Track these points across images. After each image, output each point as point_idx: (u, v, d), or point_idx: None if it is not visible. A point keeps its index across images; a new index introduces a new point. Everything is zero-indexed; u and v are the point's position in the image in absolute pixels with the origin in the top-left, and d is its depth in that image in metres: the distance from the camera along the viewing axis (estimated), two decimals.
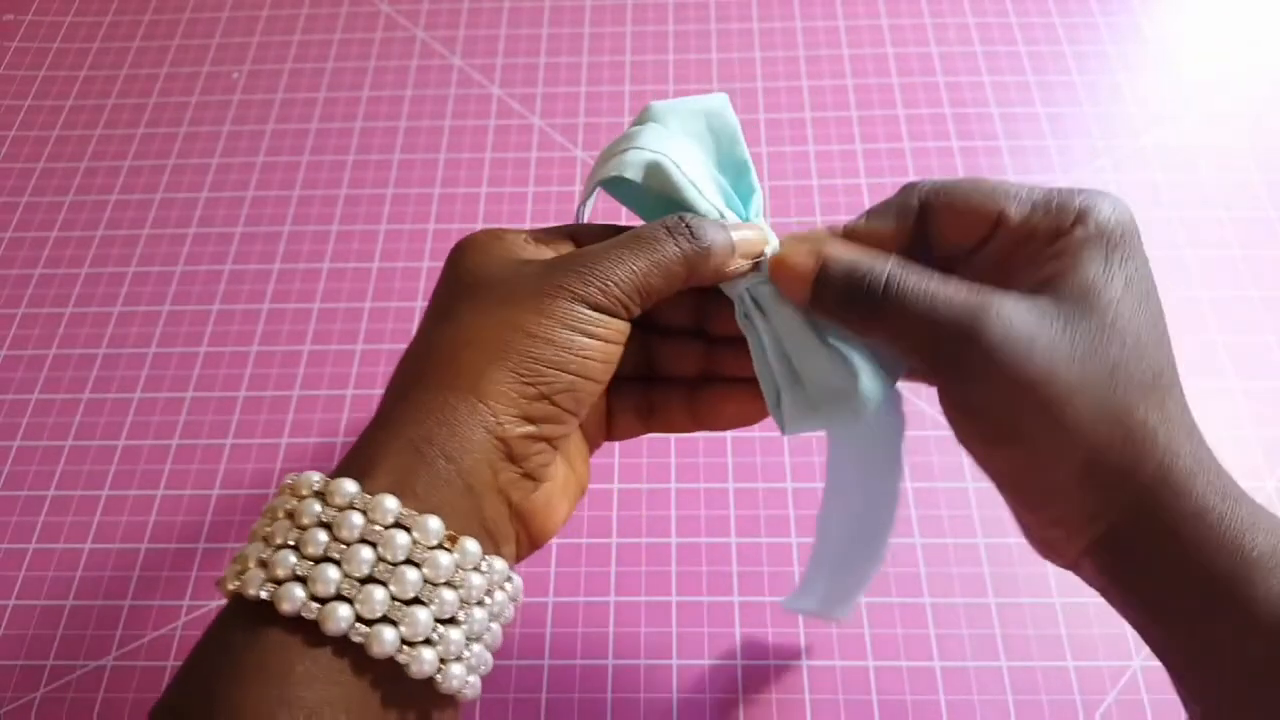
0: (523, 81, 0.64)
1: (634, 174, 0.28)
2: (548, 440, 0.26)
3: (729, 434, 0.49)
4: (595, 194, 0.30)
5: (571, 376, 0.25)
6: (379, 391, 0.51)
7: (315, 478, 0.24)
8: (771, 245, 0.29)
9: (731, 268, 0.28)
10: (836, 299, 0.27)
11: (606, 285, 0.26)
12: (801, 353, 0.28)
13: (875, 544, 0.34)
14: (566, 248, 0.28)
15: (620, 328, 0.26)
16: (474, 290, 0.26)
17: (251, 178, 0.61)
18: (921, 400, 0.49)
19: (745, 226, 0.29)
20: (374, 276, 0.56)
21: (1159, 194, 0.56)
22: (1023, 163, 0.58)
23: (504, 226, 0.28)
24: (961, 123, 0.60)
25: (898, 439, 0.31)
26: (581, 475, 0.30)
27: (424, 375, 0.25)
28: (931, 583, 0.45)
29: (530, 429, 0.25)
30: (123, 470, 0.50)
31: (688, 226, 0.27)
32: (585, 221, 0.30)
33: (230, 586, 0.23)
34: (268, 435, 0.50)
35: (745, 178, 0.30)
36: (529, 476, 0.26)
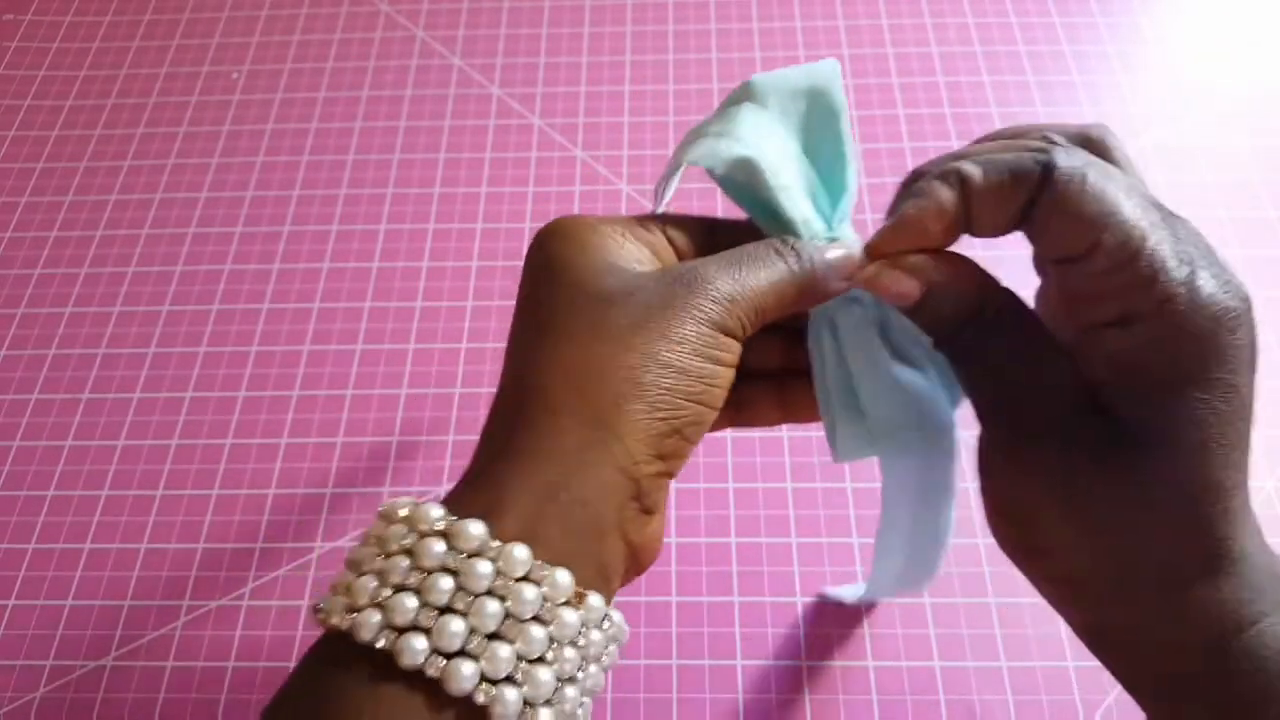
0: (522, 81, 0.64)
1: (722, 168, 0.27)
2: (671, 475, 0.25)
3: (729, 434, 0.49)
4: (680, 174, 0.28)
5: (701, 407, 0.24)
6: (379, 391, 0.51)
7: (436, 513, 0.22)
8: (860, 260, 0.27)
9: (834, 289, 0.26)
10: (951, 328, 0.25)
11: (731, 305, 0.24)
12: (868, 382, 0.28)
13: (925, 567, 0.35)
14: (664, 246, 0.27)
15: (738, 351, 0.25)
16: (586, 302, 0.24)
17: (251, 177, 0.61)
18: None
19: (838, 246, 0.27)
20: (374, 276, 0.56)
21: (1159, 194, 0.56)
22: None
23: (591, 216, 0.26)
24: (961, 122, 0.60)
25: (951, 464, 0.30)
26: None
27: (552, 403, 0.23)
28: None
29: (659, 465, 0.24)
30: (122, 470, 0.50)
31: (794, 250, 0.26)
32: (666, 201, 0.28)
33: (342, 624, 0.21)
34: (267, 435, 0.50)
35: (839, 173, 0.28)
36: (647, 511, 0.24)
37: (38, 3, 0.71)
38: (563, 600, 0.22)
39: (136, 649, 0.45)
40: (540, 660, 0.21)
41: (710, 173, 0.27)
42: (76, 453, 0.50)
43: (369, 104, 0.64)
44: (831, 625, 0.44)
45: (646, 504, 0.24)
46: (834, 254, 0.26)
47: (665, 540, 0.46)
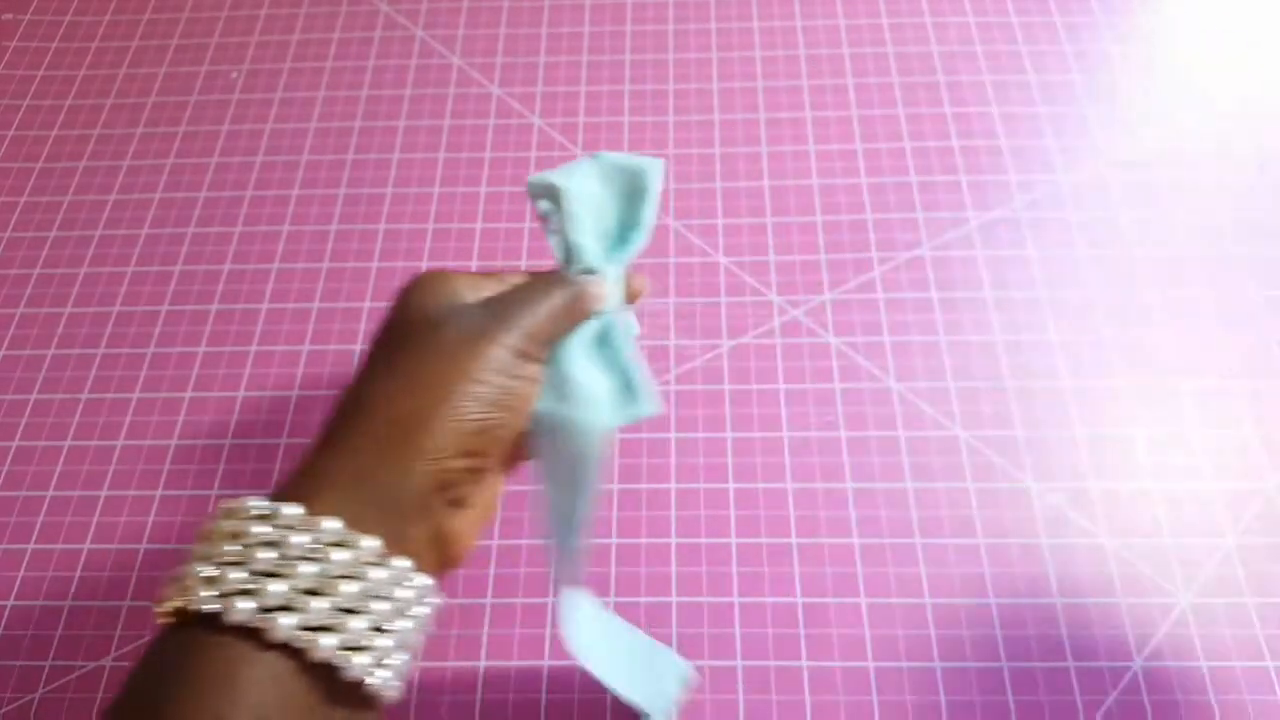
0: (522, 81, 0.64)
1: (540, 191, 0.35)
2: (479, 471, 0.29)
3: (730, 434, 0.49)
4: (536, 195, 0.36)
5: (501, 413, 0.29)
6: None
7: (257, 502, 0.26)
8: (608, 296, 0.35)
9: (592, 308, 0.34)
10: None
11: (526, 335, 0.30)
12: (567, 365, 0.33)
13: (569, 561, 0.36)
14: (498, 288, 0.33)
15: (536, 370, 0.31)
16: (418, 334, 0.30)
17: (250, 177, 0.61)
18: (922, 401, 0.49)
19: (595, 279, 0.34)
20: (373, 276, 0.56)
21: (1158, 194, 0.56)
22: (1023, 162, 0.58)
23: (449, 268, 0.32)
24: (962, 122, 0.60)
25: (593, 462, 0.33)
26: (490, 506, 0.33)
27: (371, 405, 0.28)
28: (932, 583, 0.45)
29: (465, 461, 0.28)
30: (121, 470, 0.50)
31: (563, 280, 0.33)
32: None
33: (176, 604, 0.24)
34: (267, 435, 0.50)
35: (632, 234, 0.36)
36: (455, 504, 0.29)
37: (37, 2, 0.71)
38: (372, 561, 0.26)
39: (136, 650, 0.45)
40: (353, 611, 0.25)
41: (533, 200, 0.36)
42: (75, 453, 0.50)
43: (368, 103, 0.64)
44: (832, 626, 0.44)
45: (453, 495, 0.29)
46: (594, 286, 0.34)
47: (665, 540, 0.46)
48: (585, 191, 0.36)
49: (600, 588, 0.45)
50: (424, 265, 0.56)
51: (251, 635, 0.24)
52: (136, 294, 0.56)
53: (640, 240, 0.36)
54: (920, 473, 0.47)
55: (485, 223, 0.57)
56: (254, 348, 0.53)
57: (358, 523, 0.26)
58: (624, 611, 0.44)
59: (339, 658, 0.25)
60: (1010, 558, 0.45)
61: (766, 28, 0.66)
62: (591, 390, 0.32)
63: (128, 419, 0.51)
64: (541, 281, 0.33)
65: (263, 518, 0.26)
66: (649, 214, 0.37)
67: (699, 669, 0.43)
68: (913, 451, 0.48)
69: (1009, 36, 0.64)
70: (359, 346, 0.53)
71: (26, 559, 0.47)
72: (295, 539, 0.25)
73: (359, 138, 0.62)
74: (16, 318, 0.55)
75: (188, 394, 0.52)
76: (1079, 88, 0.61)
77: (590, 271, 0.35)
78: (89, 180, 0.61)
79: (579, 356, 0.33)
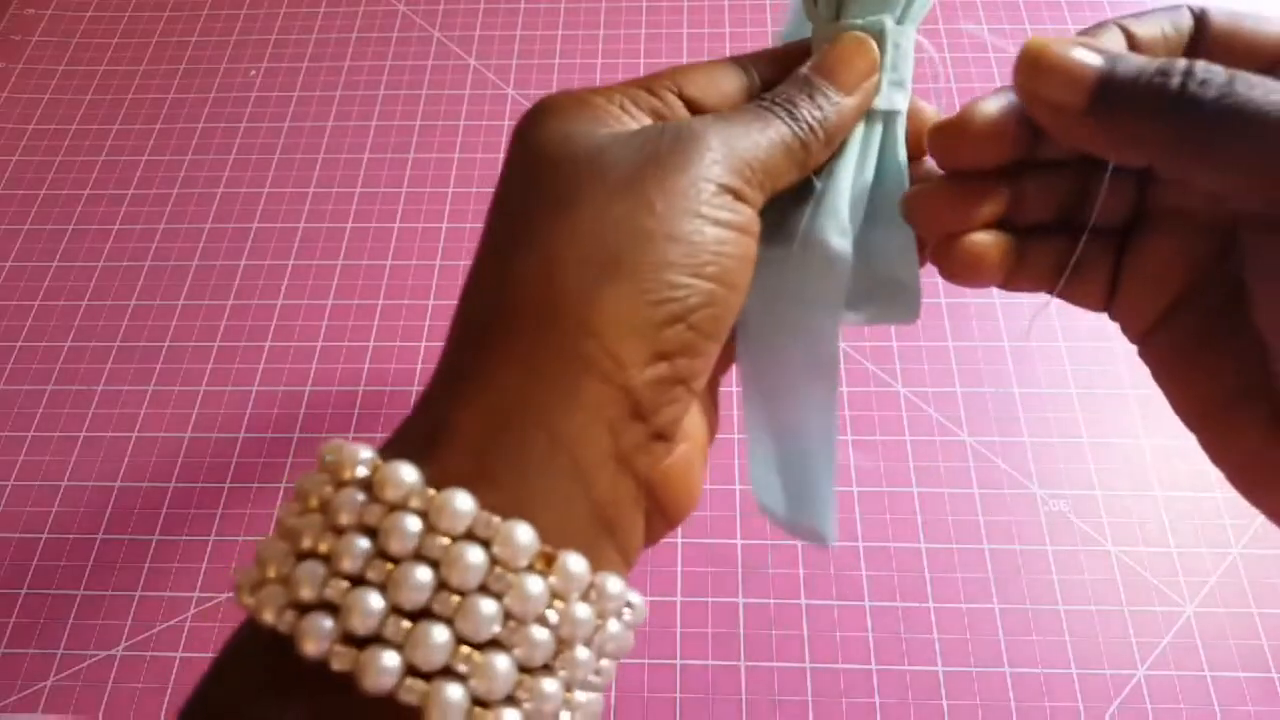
0: (537, 83, 0.64)
1: None
2: (685, 383, 0.19)
3: (735, 437, 0.49)
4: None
5: (710, 285, 0.19)
6: (389, 388, 0.52)
7: (364, 453, 0.17)
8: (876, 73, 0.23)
9: (848, 108, 0.22)
10: (1138, 105, 0.18)
11: (732, 160, 0.19)
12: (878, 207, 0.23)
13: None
14: (680, 112, 0.22)
15: (752, 217, 0.20)
16: (557, 181, 0.19)
17: (268, 174, 0.61)
18: (929, 406, 0.49)
19: (843, 46, 0.22)
20: (387, 274, 0.56)
21: None
22: None
23: (582, 89, 0.21)
24: None
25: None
26: (712, 421, 0.23)
27: (505, 312, 0.18)
28: (936, 587, 0.45)
29: (663, 369, 0.18)
30: (135, 462, 0.50)
31: (786, 108, 0.21)
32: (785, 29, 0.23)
33: (245, 600, 0.17)
34: (279, 430, 0.51)
35: None
36: (660, 436, 0.19)
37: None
38: (523, 564, 0.16)
39: (146, 639, 0.45)
40: (494, 644, 0.16)
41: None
42: (90, 444, 0.51)
43: (384, 102, 0.64)
44: (835, 628, 0.44)
45: (657, 425, 0.19)
46: (847, 67, 0.22)
47: (670, 540, 0.46)
48: None
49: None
50: (437, 264, 0.56)
51: (339, 675, 0.15)
52: (153, 288, 0.56)
53: None
54: (926, 477, 0.48)
55: None
56: (269, 343, 0.54)
57: (501, 489, 0.17)
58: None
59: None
60: (1014, 563, 0.45)
61: (778, 33, 0.66)
62: (838, 249, 0.22)
63: (142, 411, 0.52)
64: (754, 107, 0.21)
65: (362, 483, 0.17)
66: None
67: (702, 669, 0.43)
68: (918, 456, 0.48)
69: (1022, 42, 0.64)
70: (372, 343, 0.53)
71: (40, 547, 0.48)
72: (405, 525, 0.16)
73: (375, 136, 0.62)
74: (34, 309, 0.56)
75: (202, 388, 0.52)
76: None
77: (865, 33, 0.23)
78: (107, 175, 0.62)
79: (838, 185, 0.22)
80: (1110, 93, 0.19)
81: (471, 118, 0.63)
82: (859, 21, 0.22)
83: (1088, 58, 0.19)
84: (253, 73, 0.66)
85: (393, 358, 0.53)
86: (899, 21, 0.23)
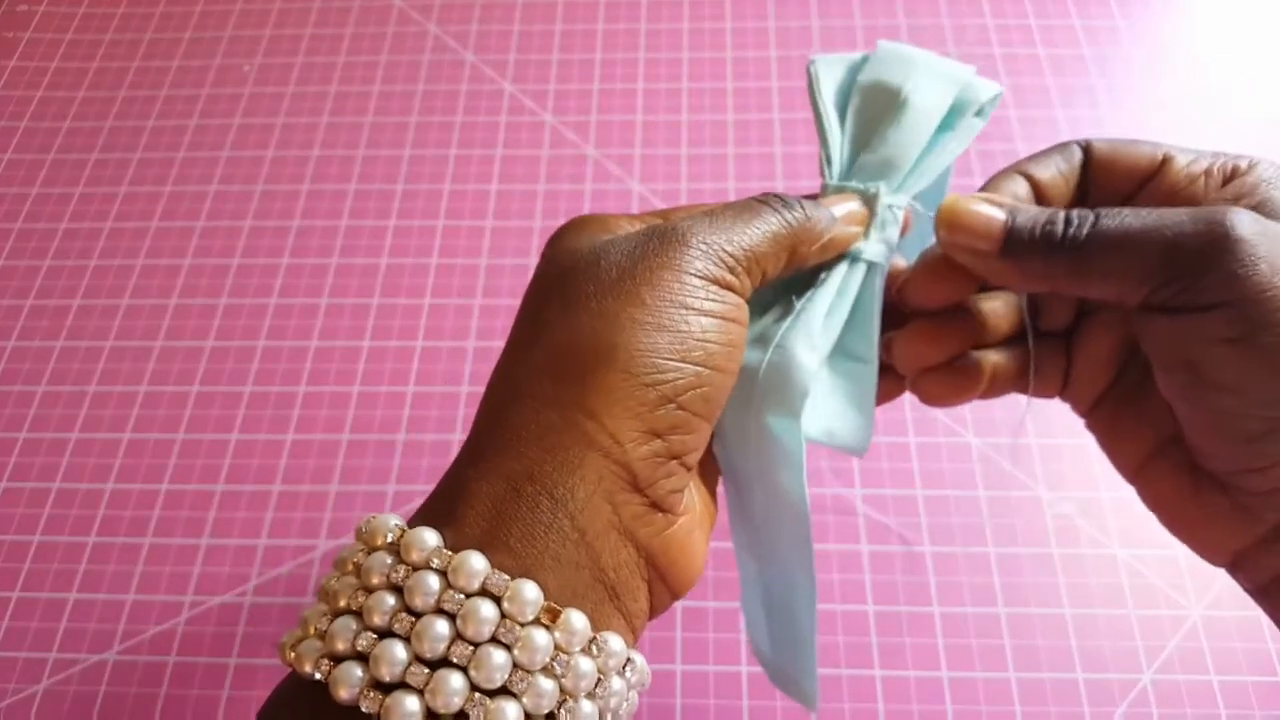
0: (535, 78, 0.64)
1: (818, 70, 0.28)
2: (678, 458, 0.21)
3: None
4: (825, 108, 0.28)
5: (697, 368, 0.21)
6: (385, 389, 0.51)
7: (392, 522, 0.20)
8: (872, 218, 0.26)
9: (839, 235, 0.25)
10: (1034, 249, 0.23)
11: (719, 252, 0.22)
12: (855, 324, 0.26)
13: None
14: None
15: (739, 304, 0.22)
16: (565, 284, 0.22)
17: (261, 172, 0.61)
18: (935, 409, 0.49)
19: (841, 199, 0.25)
20: (382, 272, 0.55)
21: None
22: None
23: (607, 213, 0.24)
24: None
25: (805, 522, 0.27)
26: (714, 494, 0.25)
27: (520, 397, 0.21)
28: (940, 591, 0.44)
29: (656, 445, 0.20)
30: (127, 464, 0.50)
31: (780, 200, 0.24)
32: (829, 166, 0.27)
33: (289, 656, 0.19)
34: (272, 431, 0.50)
35: (924, 159, 0.27)
36: (658, 508, 0.21)
37: None
38: (529, 619, 0.18)
39: (139, 643, 0.45)
40: (504, 691, 0.18)
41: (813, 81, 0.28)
42: (82, 446, 0.50)
43: (380, 99, 0.63)
44: (838, 633, 0.43)
45: (654, 497, 0.21)
46: (843, 206, 0.25)
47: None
48: (868, 83, 0.27)
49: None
50: (433, 262, 0.56)
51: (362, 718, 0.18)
52: (146, 287, 0.56)
53: (933, 172, 0.27)
54: (930, 479, 0.47)
55: (495, 220, 0.57)
56: (262, 343, 0.53)
57: (509, 552, 0.19)
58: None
59: None
60: (1019, 567, 0.44)
61: (782, 28, 0.65)
62: (805, 364, 0.24)
63: (134, 413, 0.51)
64: (747, 201, 0.24)
65: (390, 547, 0.19)
66: (958, 143, 0.27)
67: (703, 674, 0.43)
68: (923, 458, 0.47)
69: (1028, 39, 0.64)
70: (366, 342, 0.53)
71: (32, 551, 0.47)
72: (426, 583, 0.18)
73: (370, 133, 0.62)
74: (26, 309, 0.56)
75: (194, 388, 0.52)
76: (1099, 92, 0.61)
77: (839, 192, 0.26)
78: (100, 173, 0.61)
79: (809, 319, 0.25)
80: (1013, 241, 0.23)
81: (469, 114, 0.62)
82: (857, 185, 0.26)
83: (993, 212, 0.23)
84: (247, 69, 0.66)
85: (389, 358, 0.52)
86: (895, 190, 0.26)
